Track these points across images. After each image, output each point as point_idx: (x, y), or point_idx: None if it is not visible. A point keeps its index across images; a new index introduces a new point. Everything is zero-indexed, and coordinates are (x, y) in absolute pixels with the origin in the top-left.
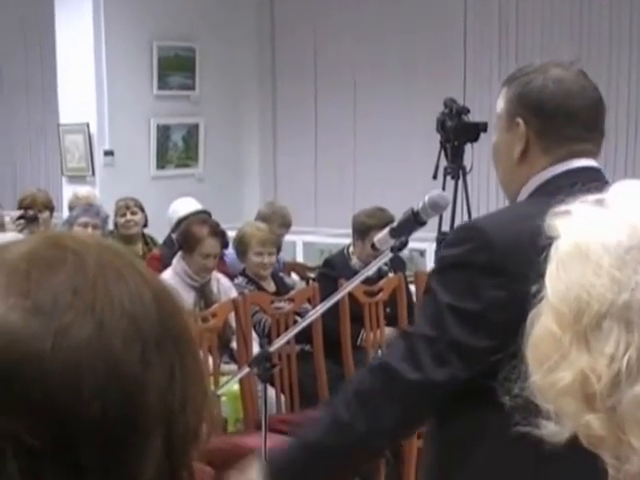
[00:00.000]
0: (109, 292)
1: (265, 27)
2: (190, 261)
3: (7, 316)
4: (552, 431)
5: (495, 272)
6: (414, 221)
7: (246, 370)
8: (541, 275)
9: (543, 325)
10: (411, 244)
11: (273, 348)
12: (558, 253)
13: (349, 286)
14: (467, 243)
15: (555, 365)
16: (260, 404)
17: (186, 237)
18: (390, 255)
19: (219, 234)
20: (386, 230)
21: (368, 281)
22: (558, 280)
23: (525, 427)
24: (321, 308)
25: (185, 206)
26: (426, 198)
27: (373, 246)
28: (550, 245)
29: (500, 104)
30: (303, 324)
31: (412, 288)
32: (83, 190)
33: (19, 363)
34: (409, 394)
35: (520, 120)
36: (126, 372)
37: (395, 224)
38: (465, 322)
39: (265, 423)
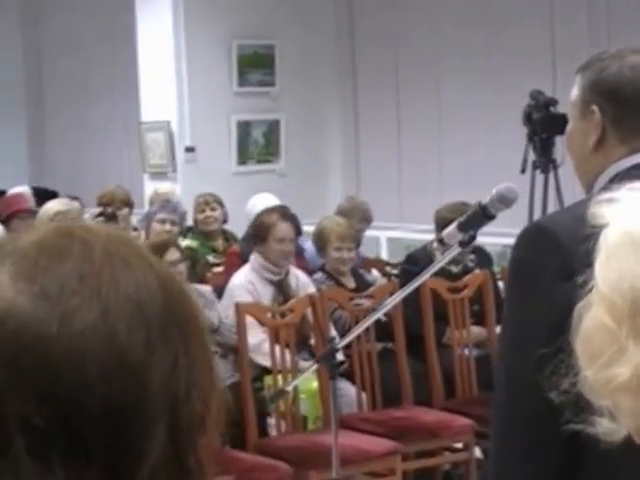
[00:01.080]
0: (115, 279)
1: (345, 20)
2: (266, 250)
3: (16, 300)
4: (607, 429)
5: (567, 275)
6: (482, 215)
7: (314, 366)
8: (588, 265)
9: (594, 317)
10: (504, 239)
11: (340, 345)
12: (607, 242)
13: (415, 283)
14: (534, 246)
15: (610, 360)
16: (340, 402)
17: (257, 227)
18: (458, 250)
19: (290, 218)
20: (454, 224)
21: (452, 277)
22: (609, 269)
23: (577, 425)
24: (389, 305)
25: (263, 201)
26: (494, 191)
27: (441, 241)
28: (597, 234)
29: (574, 92)
30: (370, 321)
31: (501, 285)
32: (163, 186)
33: (26, 346)
34: None
35: (595, 107)
36: (130, 357)
37: (463, 218)
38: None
39: (335, 420)
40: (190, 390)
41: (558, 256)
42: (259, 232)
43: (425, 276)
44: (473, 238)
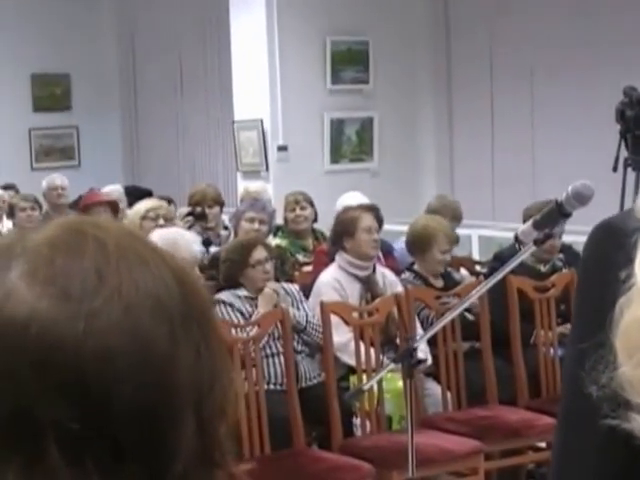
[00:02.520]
0: (132, 275)
1: (439, 16)
2: (353, 245)
3: (36, 304)
4: None
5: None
6: (558, 213)
7: (391, 366)
8: (630, 260)
9: (634, 313)
10: None
11: (417, 343)
12: None
13: (492, 280)
14: (603, 243)
15: None
16: (426, 402)
17: (343, 223)
18: (533, 248)
19: (371, 208)
20: (530, 222)
21: (541, 276)
22: None
23: (614, 420)
24: (468, 301)
25: (352, 200)
26: (569, 189)
27: (517, 238)
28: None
29: None
30: (447, 319)
31: None
32: (254, 185)
33: (52, 349)
34: None
35: None
36: (157, 352)
37: (539, 216)
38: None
39: (411, 420)
40: (213, 382)
41: (626, 253)
42: (345, 227)
43: (502, 273)
44: (549, 236)
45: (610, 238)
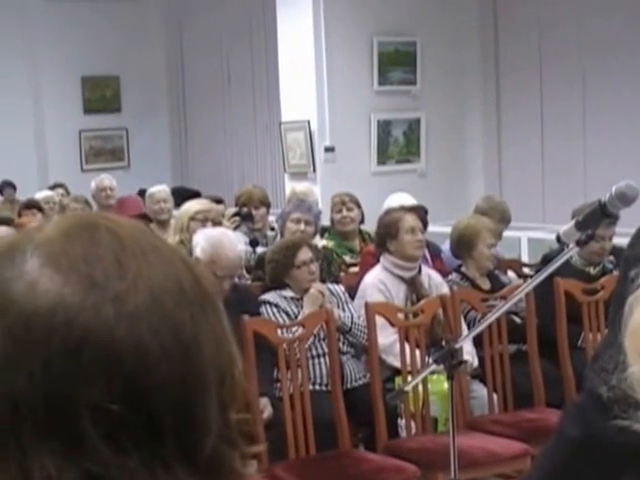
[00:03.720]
0: (149, 260)
1: (488, 16)
2: (398, 246)
3: (62, 292)
4: None
5: None
6: (601, 213)
7: (432, 366)
8: (639, 259)
9: None
10: None
11: (458, 345)
12: None
13: (534, 281)
14: (635, 243)
15: None
16: (472, 404)
17: (385, 225)
18: (575, 249)
19: (414, 209)
20: (572, 222)
21: (591, 279)
22: None
23: (624, 421)
24: (506, 304)
25: (400, 201)
26: (613, 189)
27: (559, 239)
28: None
29: None
30: (489, 321)
31: None
32: (300, 186)
33: (85, 333)
34: None
35: None
36: (184, 333)
37: (581, 216)
38: None
39: (452, 422)
40: (231, 365)
41: None
42: (389, 229)
43: (545, 274)
44: (591, 237)
45: None
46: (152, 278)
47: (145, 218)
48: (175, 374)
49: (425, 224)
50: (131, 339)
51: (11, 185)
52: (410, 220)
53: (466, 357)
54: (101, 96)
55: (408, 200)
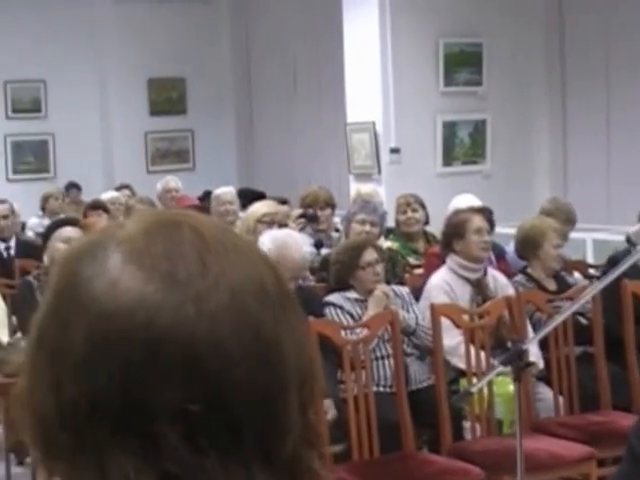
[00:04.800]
0: (231, 260)
1: (554, 18)
2: (463, 247)
3: (143, 290)
4: None
5: None
6: None
7: (499, 368)
8: None
9: None
10: None
11: (526, 346)
12: None
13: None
14: None
15: None
16: (538, 406)
17: (453, 225)
18: None
19: (482, 210)
20: None
21: None
22: None
23: None
24: (574, 305)
25: (465, 202)
26: None
27: (628, 240)
28: None
29: None
30: (556, 322)
31: None
32: (365, 187)
33: (165, 333)
34: None
35: None
36: (265, 334)
37: None
38: None
39: (520, 425)
40: (311, 365)
41: None
42: (456, 229)
43: (614, 275)
44: None
45: None
46: (234, 277)
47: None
48: (255, 374)
49: (492, 225)
50: (211, 339)
51: (76, 186)
52: (478, 221)
53: (532, 359)
54: (167, 98)
55: (473, 201)
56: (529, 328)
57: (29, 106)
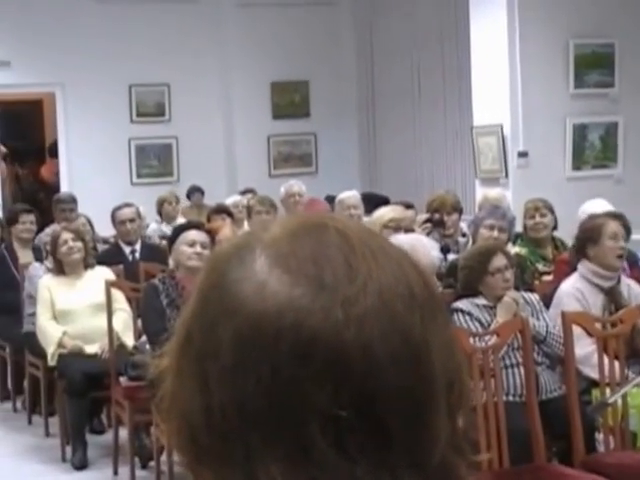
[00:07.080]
0: (379, 263)
1: None
2: (597, 253)
3: (291, 294)
4: None
5: None
6: None
7: (638, 379)
8: None
9: None
10: None
11: None
12: None
13: None
14: None
15: None
16: None
17: (588, 229)
18: None
19: (618, 216)
20: None
21: None
22: None
23: None
24: None
25: (596, 208)
26: None
27: None
28: None
29: None
30: None
31: None
32: (493, 192)
33: (315, 336)
34: None
35: None
36: (413, 338)
37: None
38: None
39: None
40: (459, 370)
41: None
42: (590, 234)
43: None
44: None
45: None
46: (382, 281)
47: None
48: (404, 379)
49: (628, 232)
50: (360, 343)
51: (199, 190)
52: (613, 226)
53: None
54: (290, 101)
55: (605, 207)
56: None
57: (153, 110)
